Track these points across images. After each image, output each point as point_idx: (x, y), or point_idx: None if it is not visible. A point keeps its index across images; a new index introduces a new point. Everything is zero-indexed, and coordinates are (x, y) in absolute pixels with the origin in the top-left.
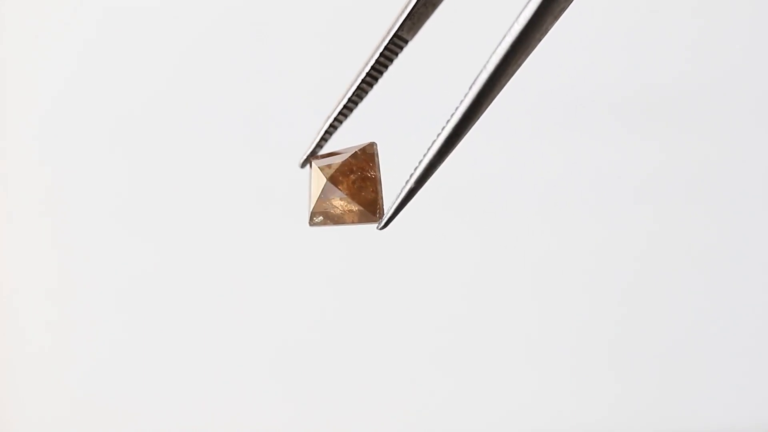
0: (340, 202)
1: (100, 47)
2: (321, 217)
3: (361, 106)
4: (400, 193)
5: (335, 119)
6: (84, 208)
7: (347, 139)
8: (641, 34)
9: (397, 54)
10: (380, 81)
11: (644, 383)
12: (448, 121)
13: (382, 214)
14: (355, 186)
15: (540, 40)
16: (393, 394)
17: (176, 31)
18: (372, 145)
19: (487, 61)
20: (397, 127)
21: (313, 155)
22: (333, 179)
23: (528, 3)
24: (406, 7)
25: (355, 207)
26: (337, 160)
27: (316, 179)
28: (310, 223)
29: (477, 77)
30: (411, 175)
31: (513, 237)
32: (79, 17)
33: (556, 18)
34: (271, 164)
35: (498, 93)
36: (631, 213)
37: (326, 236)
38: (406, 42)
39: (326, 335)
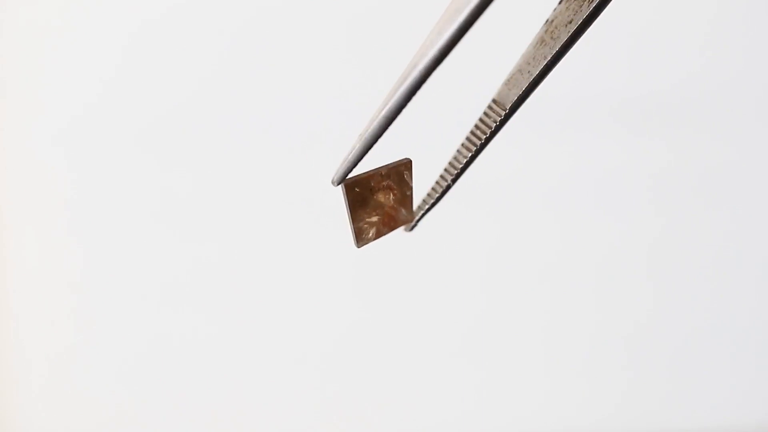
0: (377, 218)
1: (111, 47)
2: (364, 239)
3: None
4: (428, 201)
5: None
6: (101, 210)
7: (377, 153)
8: (649, 36)
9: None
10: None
11: (653, 380)
12: (475, 134)
13: (412, 219)
14: (393, 202)
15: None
16: (407, 392)
17: (201, 30)
18: (408, 163)
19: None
20: (423, 136)
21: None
22: (371, 201)
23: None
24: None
25: (392, 221)
26: (373, 181)
27: (353, 201)
28: (357, 245)
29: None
30: (439, 185)
31: (521, 236)
32: (82, 17)
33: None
34: (298, 167)
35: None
36: (639, 212)
37: (337, 238)
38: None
39: (343, 335)
